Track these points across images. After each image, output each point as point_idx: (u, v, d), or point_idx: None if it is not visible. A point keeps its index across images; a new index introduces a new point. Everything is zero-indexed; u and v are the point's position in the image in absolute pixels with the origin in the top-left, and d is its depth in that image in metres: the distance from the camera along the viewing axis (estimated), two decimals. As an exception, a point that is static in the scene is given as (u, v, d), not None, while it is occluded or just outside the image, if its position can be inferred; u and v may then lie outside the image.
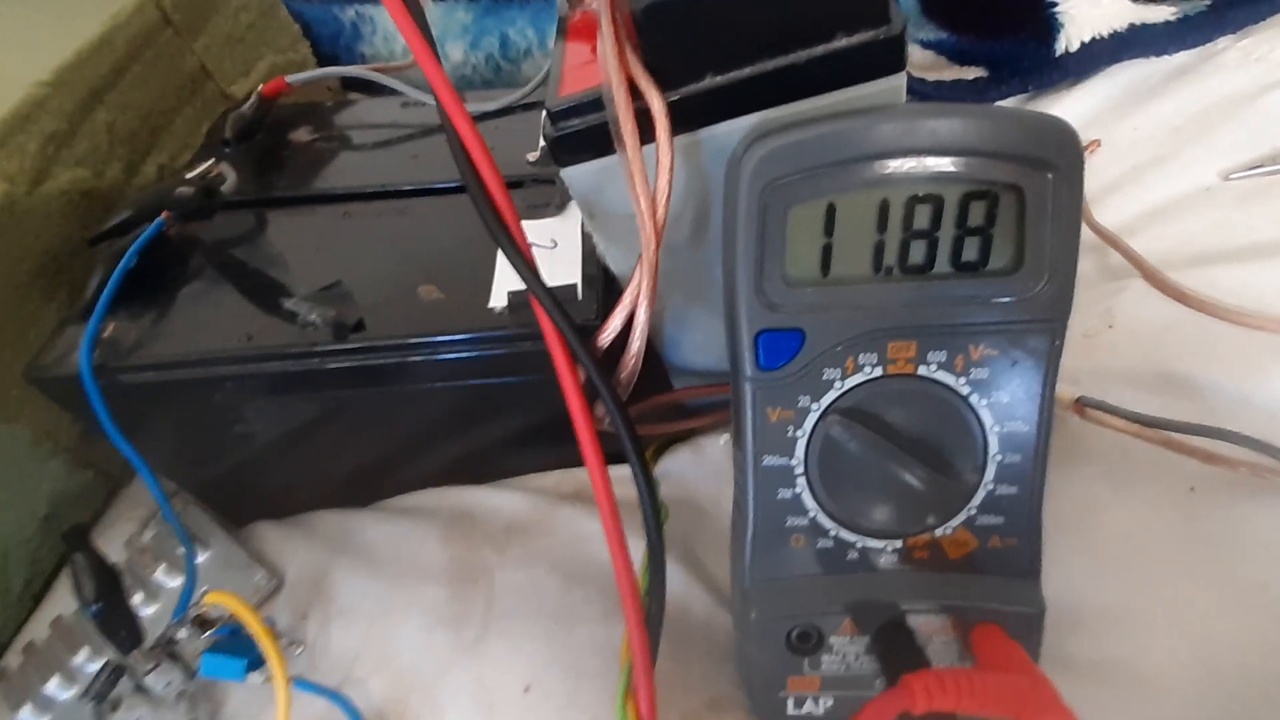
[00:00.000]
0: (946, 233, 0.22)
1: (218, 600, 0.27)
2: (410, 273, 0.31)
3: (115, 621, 0.29)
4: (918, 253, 0.22)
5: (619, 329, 0.24)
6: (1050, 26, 0.48)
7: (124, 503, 0.39)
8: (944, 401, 0.23)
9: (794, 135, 0.21)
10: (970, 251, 0.22)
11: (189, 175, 0.35)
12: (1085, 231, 0.41)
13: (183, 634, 0.30)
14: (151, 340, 0.30)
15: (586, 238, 0.32)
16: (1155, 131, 0.45)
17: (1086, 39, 0.47)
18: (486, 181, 0.22)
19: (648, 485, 0.24)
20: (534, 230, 0.33)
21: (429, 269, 0.31)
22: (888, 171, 0.21)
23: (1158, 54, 0.48)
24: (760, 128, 0.23)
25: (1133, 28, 0.47)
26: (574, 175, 0.25)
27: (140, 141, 0.40)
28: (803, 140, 0.21)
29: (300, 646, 0.32)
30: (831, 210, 0.22)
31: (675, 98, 0.23)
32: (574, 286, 0.30)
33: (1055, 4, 0.48)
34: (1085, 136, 0.46)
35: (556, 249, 0.32)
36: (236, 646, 0.29)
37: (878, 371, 0.23)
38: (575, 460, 0.23)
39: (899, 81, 0.22)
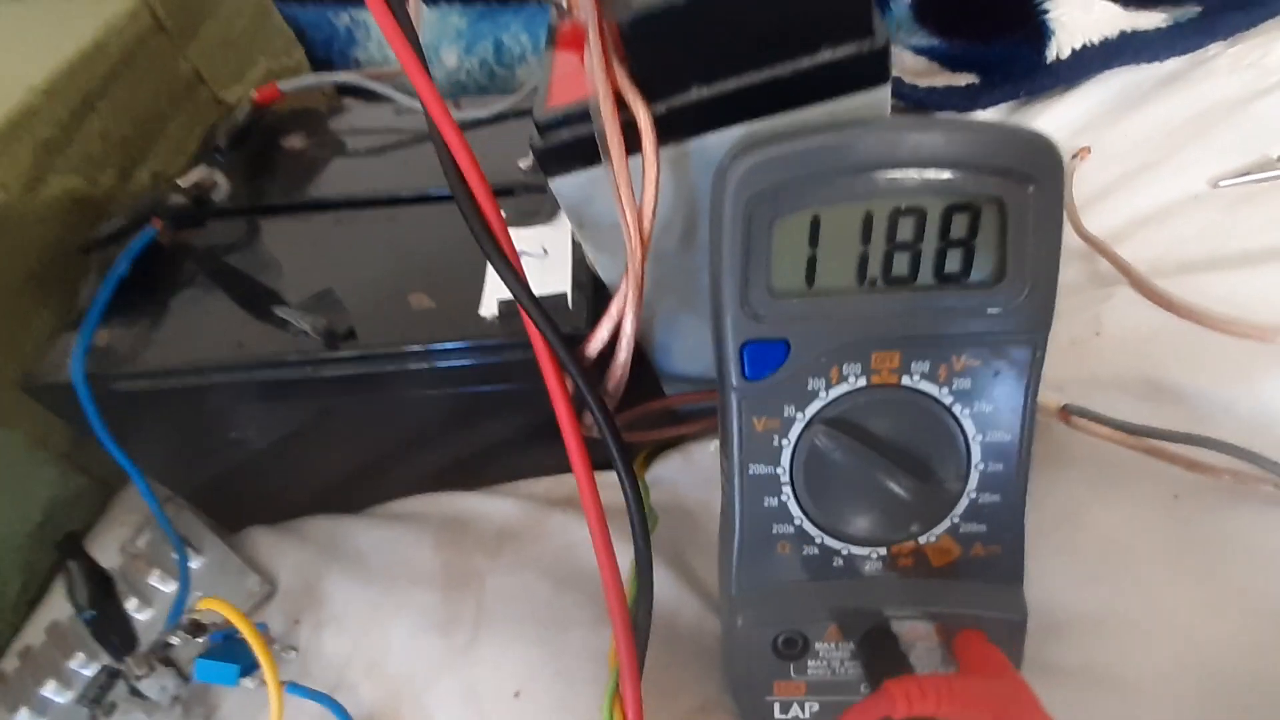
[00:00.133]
0: (929, 245, 0.22)
1: (210, 606, 0.27)
2: (401, 280, 0.32)
3: (109, 627, 0.29)
4: (901, 264, 0.22)
5: (606, 339, 0.24)
6: (1042, 33, 0.48)
7: (119, 508, 0.39)
8: (927, 411, 0.23)
9: (778, 148, 0.21)
10: (953, 263, 0.22)
11: (181, 183, 0.35)
12: (1074, 238, 0.42)
13: (176, 640, 0.30)
14: (144, 348, 0.30)
15: (577, 246, 0.32)
16: (1146, 138, 0.45)
17: (1078, 46, 0.47)
18: (474, 192, 0.22)
19: (635, 495, 0.24)
20: (525, 238, 0.33)
21: (420, 277, 0.32)
22: (871, 184, 0.21)
23: (1149, 60, 0.48)
24: (745, 140, 0.23)
25: (1124, 34, 0.47)
26: (562, 186, 0.26)
27: (134, 147, 0.40)
28: (787, 153, 0.21)
29: (293, 651, 0.32)
30: (816, 222, 0.22)
31: (662, 109, 0.23)
32: (564, 295, 0.30)
33: (1047, 11, 0.48)
34: (1076, 143, 0.47)
35: (548, 257, 0.32)
36: (230, 652, 0.29)
37: (862, 381, 0.23)
38: (567, 466, 0.24)
39: (883, 94, 0.23)
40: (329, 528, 0.37)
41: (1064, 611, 0.29)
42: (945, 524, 0.25)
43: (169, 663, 0.30)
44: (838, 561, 0.26)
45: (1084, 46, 0.47)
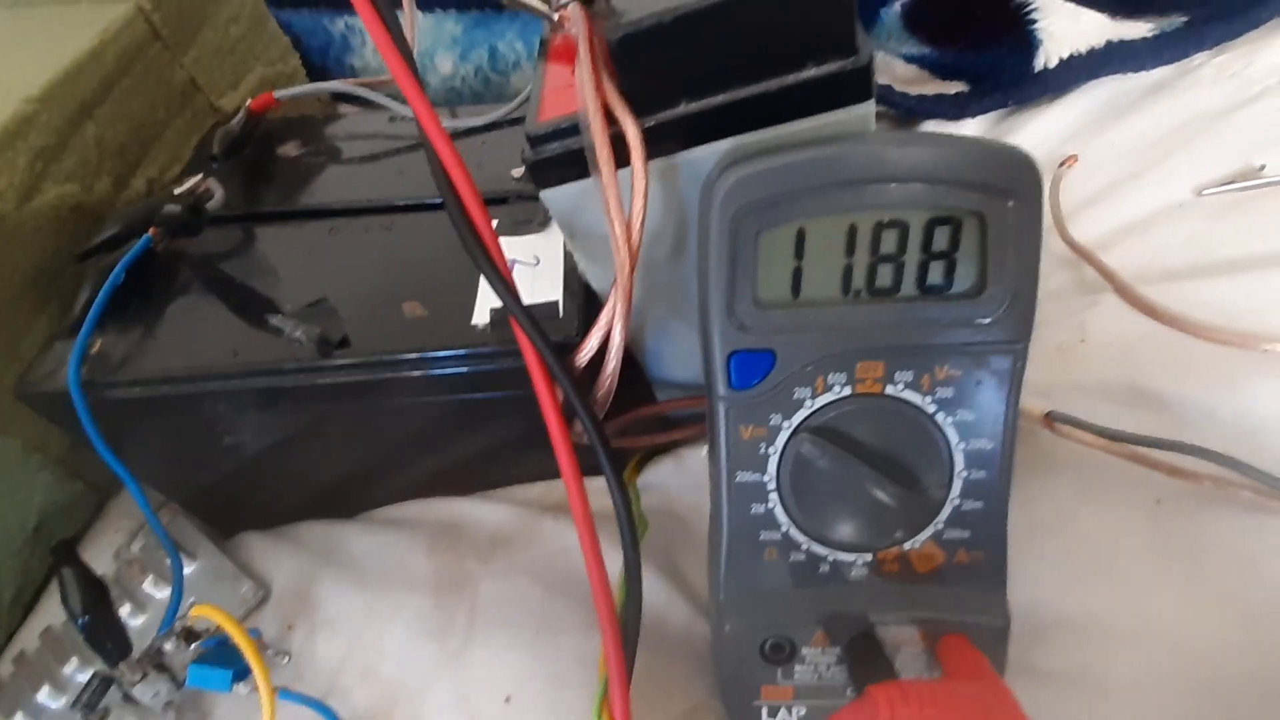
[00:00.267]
0: (912, 257, 0.22)
1: (203, 613, 0.27)
2: (395, 288, 0.32)
3: (103, 634, 0.30)
4: (885, 276, 0.23)
5: (595, 349, 0.24)
6: (1030, 42, 0.49)
7: (113, 513, 0.39)
8: (911, 420, 0.24)
9: (764, 163, 0.22)
10: (935, 275, 0.23)
11: (177, 191, 0.35)
12: (1061, 245, 0.42)
13: (169, 646, 0.30)
14: (139, 356, 0.31)
15: (570, 254, 0.33)
16: (1132, 147, 0.46)
17: (1065, 55, 0.48)
18: (465, 202, 0.23)
19: (623, 503, 0.24)
20: (518, 246, 0.33)
21: (413, 285, 0.32)
22: (855, 197, 0.22)
23: (1135, 70, 0.48)
24: (732, 154, 0.23)
25: (1110, 44, 0.48)
26: (553, 197, 0.26)
27: (129, 155, 0.41)
28: (773, 167, 0.22)
29: (286, 657, 0.32)
30: (801, 235, 0.22)
31: (651, 123, 0.23)
32: (556, 303, 0.31)
33: (1034, 21, 0.49)
34: (1063, 151, 0.47)
35: (540, 265, 0.33)
36: (223, 657, 0.29)
37: (847, 391, 0.24)
38: (559, 471, 0.24)
39: (868, 109, 0.23)
40: (323, 533, 0.37)
41: (1048, 615, 0.30)
42: (929, 530, 0.25)
43: (163, 668, 0.30)
44: (824, 567, 0.26)
45: (1071, 56, 0.48)
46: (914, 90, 0.52)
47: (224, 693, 0.29)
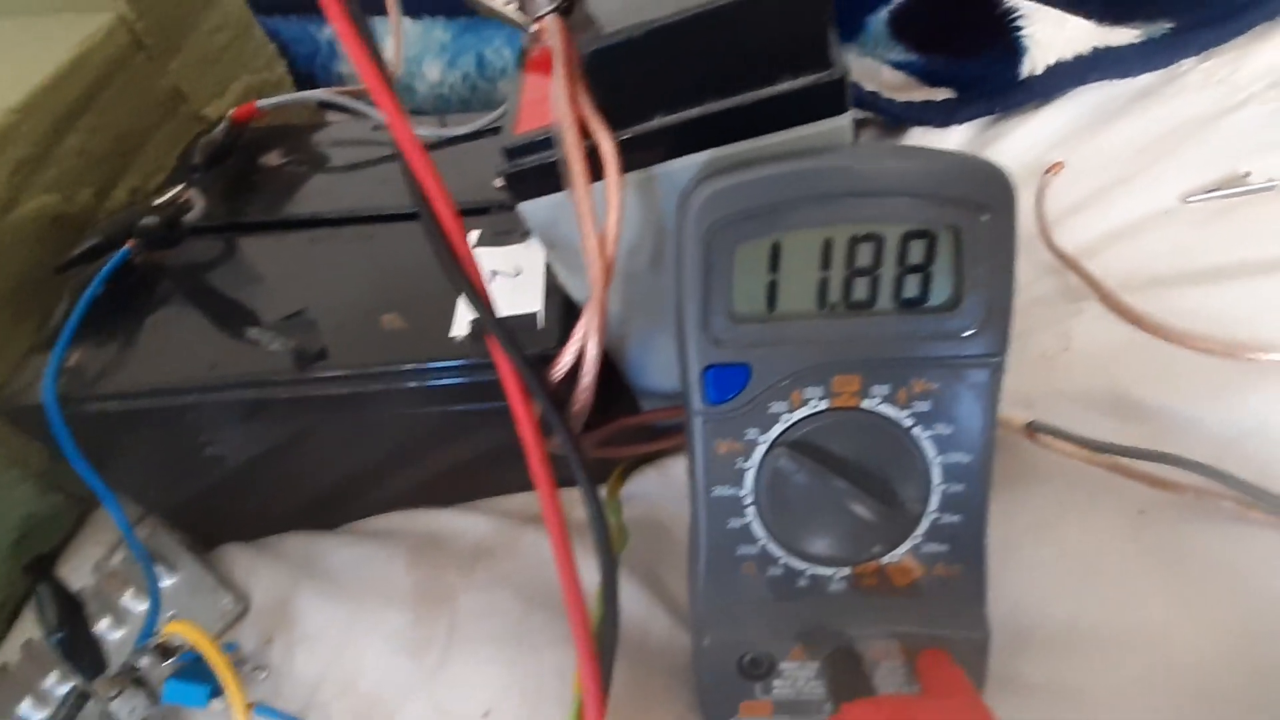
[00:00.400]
0: (888, 270, 0.22)
1: (177, 630, 0.27)
2: (374, 300, 0.32)
3: (78, 650, 0.30)
4: (861, 289, 0.23)
5: (571, 363, 0.24)
6: (1016, 49, 0.49)
7: (94, 526, 0.39)
8: (888, 434, 0.24)
9: (738, 177, 0.22)
10: (911, 288, 0.23)
11: (157, 202, 0.35)
12: (1046, 252, 0.42)
13: (145, 661, 0.30)
14: (116, 369, 0.30)
15: (550, 265, 0.33)
16: (1118, 153, 0.46)
17: (1051, 62, 0.48)
18: (440, 217, 0.22)
19: (599, 517, 0.24)
20: (499, 257, 0.33)
21: (393, 296, 0.32)
22: (830, 211, 0.22)
23: (1122, 76, 0.48)
24: (708, 167, 0.23)
25: (1097, 51, 0.48)
26: (530, 210, 0.26)
27: (112, 165, 0.40)
28: (747, 182, 0.22)
29: (265, 671, 0.32)
30: (776, 248, 0.22)
31: (626, 136, 0.23)
32: (535, 315, 0.31)
33: (1021, 28, 0.49)
34: (1050, 158, 0.47)
35: (520, 276, 0.33)
36: (200, 673, 0.29)
37: (823, 405, 0.24)
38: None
39: (844, 122, 0.23)
40: (304, 545, 0.37)
41: (1030, 626, 0.30)
42: (907, 544, 0.25)
43: (140, 683, 0.30)
44: (802, 582, 0.26)
45: (1058, 62, 0.48)
46: (901, 97, 0.52)
47: (201, 708, 0.29)
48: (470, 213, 0.35)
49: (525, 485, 0.37)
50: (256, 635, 0.33)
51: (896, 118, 0.52)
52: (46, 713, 0.32)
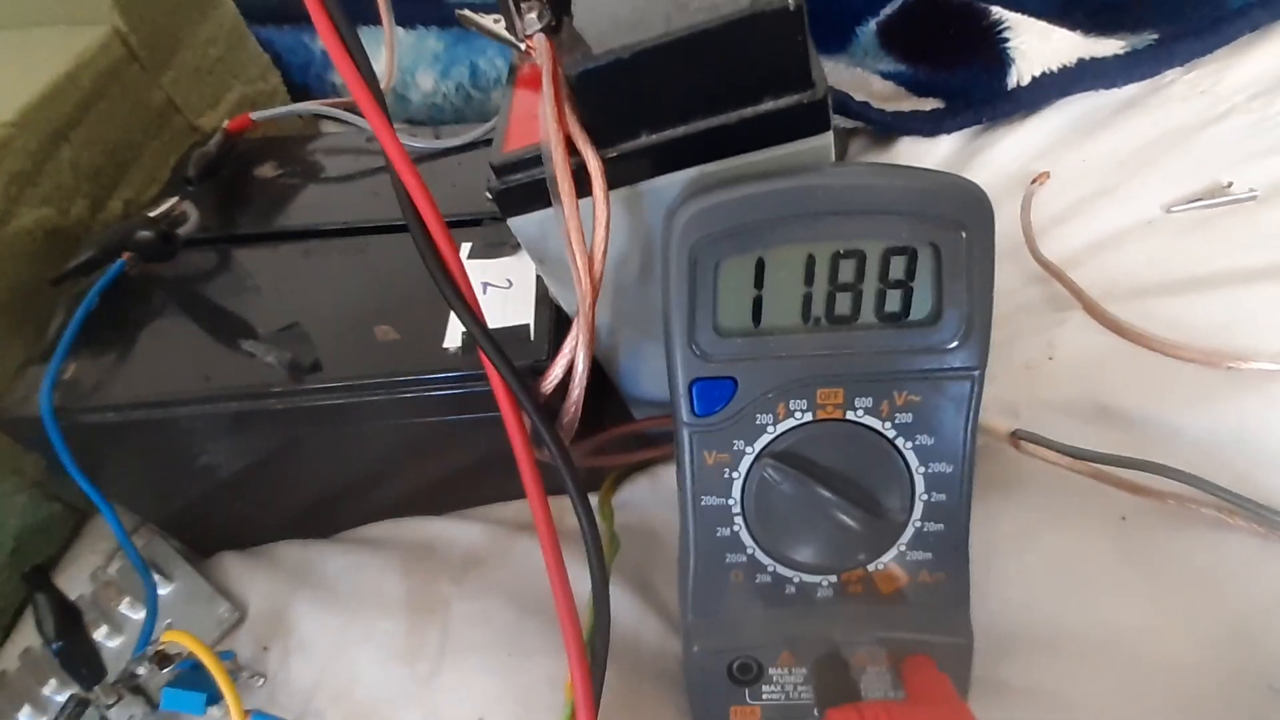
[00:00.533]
0: (870, 285, 0.23)
1: (174, 638, 0.28)
2: (368, 311, 0.32)
3: (77, 658, 0.30)
4: (843, 304, 0.23)
5: (560, 376, 0.25)
6: (1002, 61, 0.49)
7: (91, 534, 0.39)
8: (872, 444, 0.24)
9: (722, 194, 0.22)
10: (893, 303, 0.23)
11: (152, 214, 0.35)
12: (1031, 262, 0.43)
13: (143, 669, 0.30)
14: (112, 381, 0.31)
15: (541, 277, 0.33)
16: (1102, 163, 0.47)
17: (1037, 73, 0.49)
18: (430, 230, 0.23)
19: (590, 526, 0.24)
20: (491, 269, 0.34)
21: (386, 308, 0.32)
22: (812, 229, 0.22)
23: (1107, 87, 0.49)
24: (693, 185, 0.24)
25: (1082, 62, 0.48)
26: (519, 225, 0.26)
27: (106, 177, 0.41)
28: (731, 199, 0.22)
29: (261, 679, 0.32)
30: (761, 264, 0.23)
31: (613, 154, 0.24)
32: (526, 326, 0.31)
33: (1007, 39, 0.49)
34: (1036, 167, 0.48)
35: (512, 288, 0.33)
36: (197, 680, 0.30)
37: (808, 417, 0.24)
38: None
39: (825, 140, 0.23)
40: (299, 553, 0.37)
41: (1014, 632, 0.30)
42: (892, 552, 0.26)
43: (138, 691, 0.30)
44: (790, 589, 0.26)
45: (1043, 73, 0.49)
46: (890, 106, 0.53)
47: (198, 716, 0.29)
48: (463, 224, 0.36)
49: (518, 494, 0.38)
50: (253, 643, 0.34)
51: (886, 127, 0.52)
52: (45, 720, 0.32)
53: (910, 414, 0.24)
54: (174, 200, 0.36)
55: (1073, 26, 0.50)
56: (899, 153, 0.52)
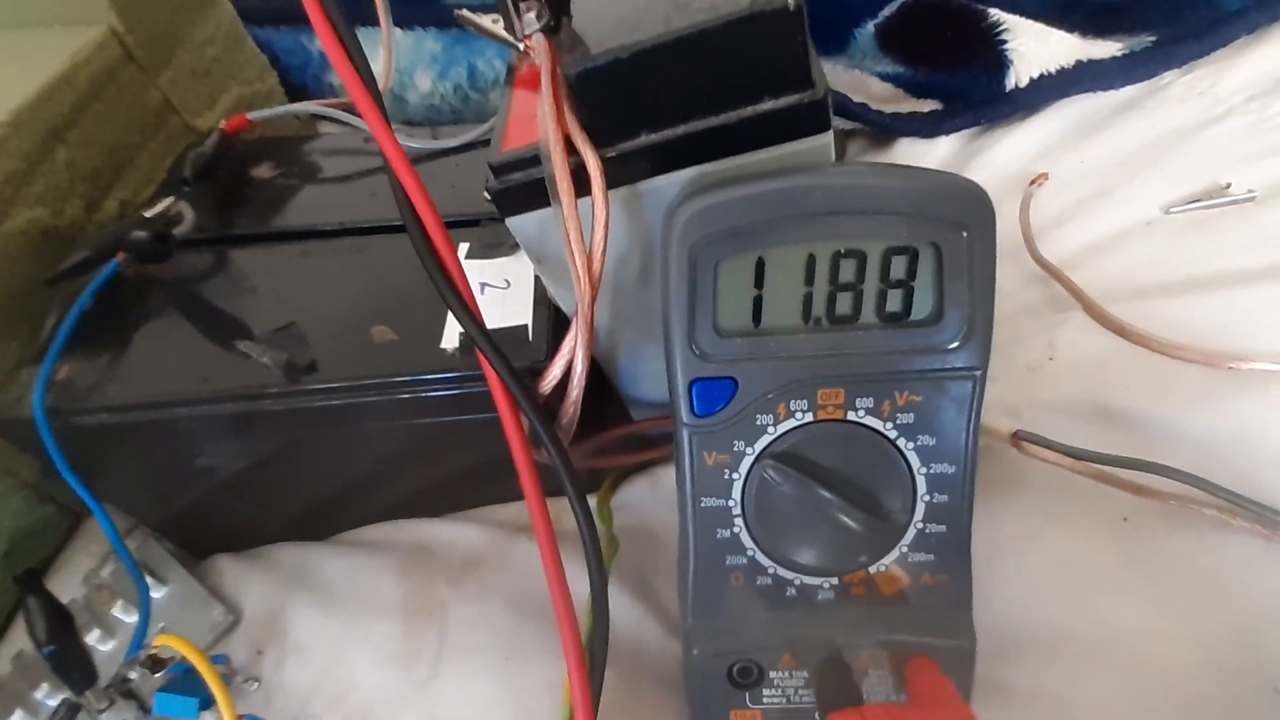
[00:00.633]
0: (871, 285, 0.23)
1: (167, 643, 0.27)
2: (365, 312, 0.32)
3: (69, 662, 0.29)
4: (844, 304, 0.23)
5: (559, 377, 0.24)
6: (1000, 63, 0.49)
7: (85, 537, 0.39)
8: (873, 445, 0.24)
9: (722, 194, 0.22)
10: (894, 303, 0.23)
11: (147, 214, 0.35)
12: (1031, 263, 0.43)
13: (136, 674, 0.30)
14: (106, 382, 0.30)
15: (539, 278, 0.33)
16: (1101, 165, 0.47)
17: (1035, 75, 0.49)
18: (428, 230, 0.23)
19: (589, 528, 0.24)
20: (489, 270, 0.34)
21: (383, 308, 0.32)
22: (812, 229, 0.22)
23: (1105, 89, 0.49)
24: (693, 184, 0.24)
25: (1080, 64, 0.48)
26: (518, 225, 0.26)
27: (102, 178, 0.40)
28: (731, 199, 0.22)
29: (256, 683, 0.32)
30: (761, 264, 0.23)
31: (612, 154, 0.23)
32: (525, 326, 0.31)
33: (1005, 41, 0.49)
34: (1034, 169, 0.48)
35: (510, 288, 0.33)
36: (190, 685, 0.29)
37: (809, 417, 0.24)
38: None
39: (825, 140, 0.23)
40: (295, 556, 0.37)
41: (1016, 633, 0.30)
42: (894, 554, 0.26)
43: (130, 695, 0.30)
44: (790, 591, 0.26)
45: (1042, 75, 0.49)
46: (889, 108, 0.53)
47: (191, 721, 0.29)
48: (461, 225, 0.36)
49: (516, 495, 0.37)
50: (248, 646, 0.33)
51: (884, 129, 0.52)
52: (37, 725, 0.32)
53: (912, 414, 0.24)
54: (170, 200, 0.36)
55: (1071, 28, 0.50)
56: (897, 154, 0.52)
